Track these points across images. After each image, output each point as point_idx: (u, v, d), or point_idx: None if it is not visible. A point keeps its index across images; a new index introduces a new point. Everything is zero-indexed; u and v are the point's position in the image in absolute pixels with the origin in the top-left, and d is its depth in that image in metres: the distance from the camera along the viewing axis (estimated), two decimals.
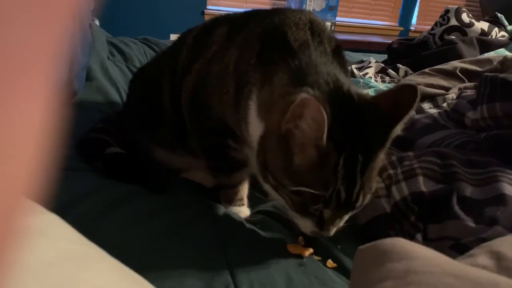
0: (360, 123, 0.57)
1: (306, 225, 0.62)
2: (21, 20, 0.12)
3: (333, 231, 0.62)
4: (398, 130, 0.59)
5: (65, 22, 0.14)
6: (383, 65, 1.60)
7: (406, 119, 0.58)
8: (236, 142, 0.74)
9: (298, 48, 0.65)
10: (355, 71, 1.54)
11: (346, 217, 0.62)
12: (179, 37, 0.92)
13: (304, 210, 0.60)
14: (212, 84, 0.74)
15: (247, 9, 0.83)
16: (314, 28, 0.69)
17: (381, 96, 0.61)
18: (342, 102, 0.57)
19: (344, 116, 0.56)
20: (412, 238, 0.67)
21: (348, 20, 3.21)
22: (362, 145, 0.56)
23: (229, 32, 0.76)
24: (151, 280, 0.40)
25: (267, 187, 0.63)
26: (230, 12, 0.87)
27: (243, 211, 0.79)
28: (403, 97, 0.58)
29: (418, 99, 0.57)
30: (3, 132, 0.12)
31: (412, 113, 0.60)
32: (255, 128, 0.65)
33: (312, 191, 0.56)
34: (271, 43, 0.67)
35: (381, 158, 0.60)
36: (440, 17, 1.78)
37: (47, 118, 0.14)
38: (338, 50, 0.70)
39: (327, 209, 0.58)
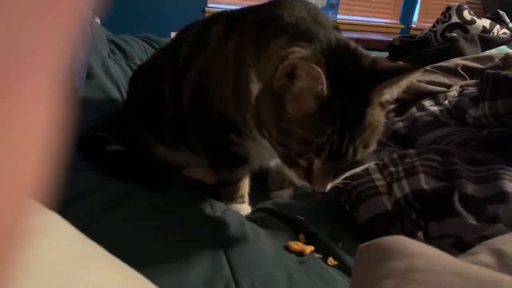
0: (354, 77, 0.58)
1: (294, 177, 0.63)
2: (28, 23, 0.12)
3: (326, 187, 0.61)
4: (385, 92, 0.59)
5: (70, 24, 0.14)
6: None
7: (395, 83, 0.58)
8: (239, 136, 0.74)
9: (295, 22, 0.66)
10: None
11: (341, 176, 0.62)
12: (178, 35, 0.92)
13: (293, 162, 0.61)
14: (212, 79, 0.74)
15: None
16: (310, 10, 0.70)
17: (385, 60, 0.62)
18: (339, 55, 0.59)
19: (340, 68, 0.57)
20: (413, 236, 0.67)
21: (349, 18, 3.20)
22: (353, 98, 0.57)
23: (226, 28, 0.77)
24: (151, 278, 0.40)
25: (264, 142, 0.65)
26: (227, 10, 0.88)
27: (244, 208, 0.79)
28: (404, 67, 0.60)
29: (417, 71, 0.59)
30: (11, 132, 0.12)
31: (404, 84, 0.60)
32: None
33: (306, 135, 0.57)
34: (267, 26, 0.67)
35: (377, 118, 0.60)
36: (442, 14, 1.77)
37: (53, 118, 0.14)
38: (336, 29, 0.71)
39: (318, 159, 0.58)
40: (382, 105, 0.61)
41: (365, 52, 0.62)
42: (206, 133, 0.78)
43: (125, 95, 1.12)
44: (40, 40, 0.13)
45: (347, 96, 0.57)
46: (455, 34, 1.66)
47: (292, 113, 0.58)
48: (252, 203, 0.81)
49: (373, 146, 0.61)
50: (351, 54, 0.60)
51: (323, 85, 0.55)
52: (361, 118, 0.58)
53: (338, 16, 2.97)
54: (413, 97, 1.10)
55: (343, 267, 0.65)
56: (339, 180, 0.62)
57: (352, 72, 0.58)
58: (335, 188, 0.78)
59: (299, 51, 0.58)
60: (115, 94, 1.16)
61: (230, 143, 0.75)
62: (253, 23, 0.71)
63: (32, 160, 0.14)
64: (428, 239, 0.66)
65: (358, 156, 0.59)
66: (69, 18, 0.14)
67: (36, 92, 0.13)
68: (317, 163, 0.59)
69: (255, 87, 0.65)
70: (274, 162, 0.81)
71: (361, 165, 0.62)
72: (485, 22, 1.70)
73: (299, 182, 0.63)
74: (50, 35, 0.13)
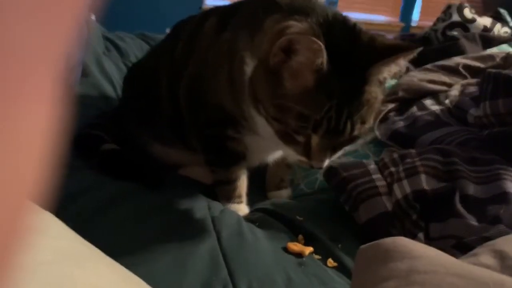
0: (353, 52, 0.58)
1: (292, 153, 0.63)
2: (28, 23, 0.12)
3: (324, 162, 0.62)
4: (383, 70, 0.59)
5: (70, 24, 0.15)
6: None
7: (394, 62, 0.58)
8: (236, 131, 0.74)
9: (289, 2, 0.65)
10: None
11: (339, 152, 0.63)
12: (172, 30, 0.92)
13: (290, 138, 0.61)
14: (208, 73, 0.74)
15: None
16: None
17: (384, 38, 0.63)
18: (337, 29, 0.59)
19: (338, 43, 0.57)
20: (414, 236, 0.66)
21: (348, 15, 3.21)
22: (351, 74, 0.57)
23: (219, 22, 0.76)
24: (148, 279, 0.39)
25: (259, 119, 0.64)
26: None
27: (242, 208, 0.78)
28: (403, 45, 0.60)
29: (416, 51, 0.58)
30: (11, 132, 0.13)
31: (403, 63, 0.60)
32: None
33: (303, 111, 0.57)
34: (260, 11, 0.67)
35: (374, 94, 0.60)
36: (442, 12, 1.77)
37: (52, 118, 0.14)
38: None
39: (316, 135, 0.59)
40: (379, 81, 0.61)
41: (364, 28, 0.62)
42: (203, 130, 0.78)
43: (120, 93, 1.12)
44: (40, 40, 0.13)
45: (344, 71, 0.57)
46: (456, 33, 1.65)
47: (289, 88, 0.58)
48: (250, 203, 0.81)
49: (370, 122, 0.62)
50: (349, 29, 0.60)
51: (323, 58, 0.54)
52: (359, 94, 0.58)
53: None
54: (414, 96, 1.09)
55: (342, 269, 0.64)
56: (337, 155, 0.63)
57: (351, 48, 0.58)
58: (335, 188, 0.77)
59: (296, 25, 0.58)
60: (110, 92, 1.15)
61: (227, 139, 0.75)
62: (246, 12, 0.71)
63: (32, 160, 0.14)
64: (429, 240, 0.66)
65: (356, 132, 0.60)
66: (69, 18, 0.14)
67: (36, 92, 0.13)
68: (315, 139, 0.59)
69: (249, 69, 0.64)
70: (273, 157, 0.81)
71: (358, 140, 0.64)
72: (485, 21, 1.70)
73: (296, 157, 0.63)
74: (50, 35, 0.14)
